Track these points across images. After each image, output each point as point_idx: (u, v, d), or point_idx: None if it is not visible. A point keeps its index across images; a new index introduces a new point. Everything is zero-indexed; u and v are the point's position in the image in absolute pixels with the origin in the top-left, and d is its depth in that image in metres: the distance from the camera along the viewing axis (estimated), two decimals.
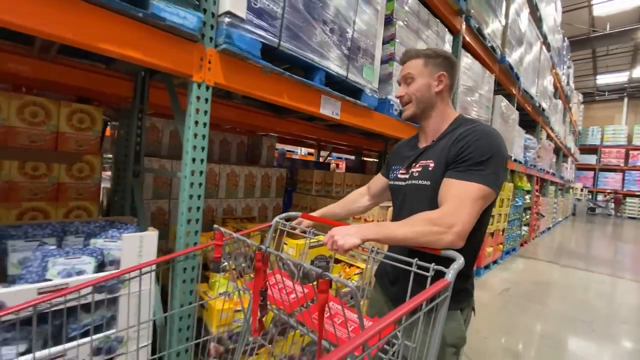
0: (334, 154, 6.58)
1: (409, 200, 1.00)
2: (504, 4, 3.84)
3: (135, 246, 1.04)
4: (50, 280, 0.95)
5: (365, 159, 4.89)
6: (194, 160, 1.16)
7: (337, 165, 8.96)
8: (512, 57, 4.14)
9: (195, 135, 1.16)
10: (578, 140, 13.58)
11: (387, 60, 2.13)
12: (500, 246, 4.69)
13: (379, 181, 1.25)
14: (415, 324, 0.66)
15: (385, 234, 0.78)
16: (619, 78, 13.20)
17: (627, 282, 4.35)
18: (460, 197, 0.83)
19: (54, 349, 0.90)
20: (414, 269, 0.73)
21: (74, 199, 1.71)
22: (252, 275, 0.76)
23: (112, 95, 1.81)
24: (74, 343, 0.92)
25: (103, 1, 0.88)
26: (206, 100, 1.18)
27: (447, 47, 2.72)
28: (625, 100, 14.97)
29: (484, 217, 0.93)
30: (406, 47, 2.23)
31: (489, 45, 3.52)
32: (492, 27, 3.59)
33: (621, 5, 8.93)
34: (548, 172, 7.36)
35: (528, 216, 6.32)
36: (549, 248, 6.37)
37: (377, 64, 1.97)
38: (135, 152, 1.72)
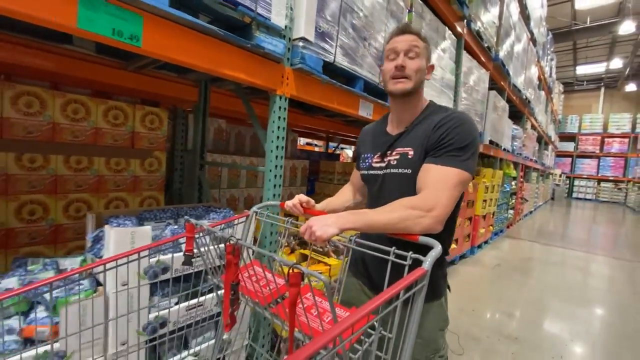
0: (331, 144, 6.90)
1: (387, 189, 0.98)
2: (499, 4, 4.16)
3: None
4: None
5: None
6: (276, 157, 1.46)
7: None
8: (503, 54, 4.51)
9: (278, 137, 1.46)
10: (558, 129, 14.33)
11: None
12: (491, 227, 5.18)
13: (357, 176, 1.17)
14: (391, 314, 0.63)
15: (364, 221, 0.76)
16: (596, 69, 13.89)
17: (593, 255, 4.94)
18: (440, 181, 0.83)
19: (194, 300, 1.21)
20: (391, 257, 0.71)
21: (146, 189, 1.97)
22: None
23: (174, 99, 2.05)
24: (208, 296, 1.24)
25: (229, 39, 1.16)
26: (285, 109, 1.47)
27: (452, 50, 3.05)
28: (602, 90, 15.79)
29: (459, 202, 0.94)
30: None
31: (486, 45, 3.87)
32: (488, 28, 3.92)
33: None
34: (531, 160, 7.91)
35: (514, 201, 6.87)
36: (532, 229, 6.96)
37: None
38: (200, 148, 1.99)
